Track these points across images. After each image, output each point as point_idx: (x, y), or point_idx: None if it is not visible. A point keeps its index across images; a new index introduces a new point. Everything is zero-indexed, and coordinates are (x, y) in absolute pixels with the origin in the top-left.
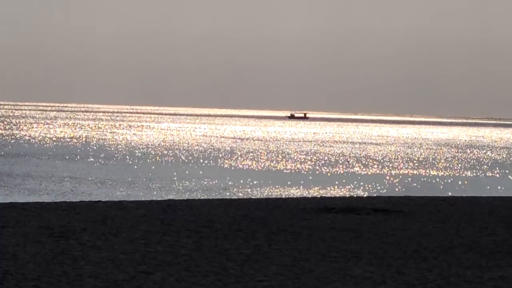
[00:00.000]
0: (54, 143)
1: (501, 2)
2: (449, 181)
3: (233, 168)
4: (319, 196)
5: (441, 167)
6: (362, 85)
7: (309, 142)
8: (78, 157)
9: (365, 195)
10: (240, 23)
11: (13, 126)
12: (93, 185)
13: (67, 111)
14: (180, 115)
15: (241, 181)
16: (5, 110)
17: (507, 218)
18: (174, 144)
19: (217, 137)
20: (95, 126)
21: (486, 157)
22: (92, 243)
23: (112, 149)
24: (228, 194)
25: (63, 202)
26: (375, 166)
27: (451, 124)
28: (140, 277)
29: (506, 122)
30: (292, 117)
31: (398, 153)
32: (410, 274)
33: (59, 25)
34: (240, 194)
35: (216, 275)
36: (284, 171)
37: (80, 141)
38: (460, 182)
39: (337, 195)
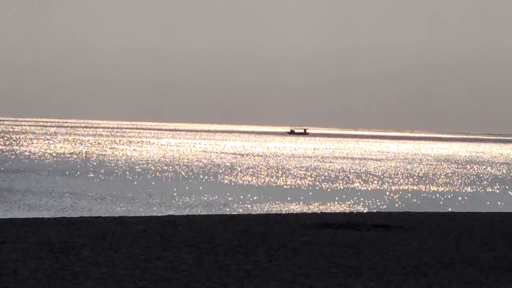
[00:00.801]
0: (54, 159)
1: (500, 19)
2: (449, 196)
3: (233, 183)
4: (319, 211)
5: (441, 182)
6: (362, 101)
7: (309, 157)
8: (78, 172)
9: (365, 211)
10: (240, 39)
11: (13, 142)
12: (93, 201)
13: (67, 126)
14: (180, 130)
15: (241, 197)
16: (5, 125)
17: (507, 234)
18: (174, 159)
19: (217, 152)
20: (95, 142)
21: (486, 172)
22: (92, 258)
23: (112, 164)
24: (228, 209)
25: (63, 218)
26: (375, 181)
27: (451, 139)
28: None
29: (506, 138)
30: (292, 132)
31: (398, 168)
32: None
33: (59, 41)
34: (240, 210)
35: None
36: (284, 186)
37: (80, 156)
38: (460, 198)
39: (337, 211)
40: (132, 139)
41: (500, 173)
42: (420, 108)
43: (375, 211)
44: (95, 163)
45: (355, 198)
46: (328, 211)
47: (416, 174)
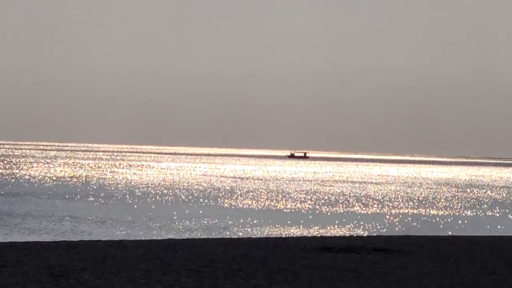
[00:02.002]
0: (54, 183)
1: (500, 43)
2: (449, 220)
3: (233, 207)
4: (319, 235)
5: (441, 206)
6: (362, 125)
7: (309, 181)
8: (78, 196)
9: (365, 235)
10: (239, 63)
11: (13, 166)
12: (93, 224)
13: (67, 150)
14: (180, 154)
15: (241, 220)
16: (5, 149)
17: (507, 258)
18: (174, 183)
19: (217, 176)
20: (95, 166)
21: (486, 196)
22: (92, 282)
23: (112, 188)
24: (228, 233)
25: (63, 242)
26: (375, 205)
27: (451, 163)
28: None
29: (506, 162)
30: (292, 156)
31: (398, 192)
32: None
33: (59, 65)
34: (240, 234)
35: None
36: (284, 210)
37: (80, 180)
38: (460, 221)
39: (337, 235)
40: (132, 163)
41: (500, 196)
42: (420, 132)
43: (375, 234)
44: (95, 187)
45: (355, 221)
46: (328, 234)
47: (416, 198)
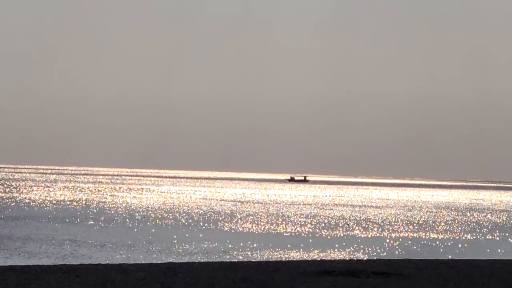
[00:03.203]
0: (54, 206)
1: (500, 66)
2: (449, 244)
3: (233, 231)
4: (319, 259)
5: (441, 230)
6: (362, 148)
7: (309, 205)
8: (78, 220)
9: (365, 258)
10: (239, 86)
11: (13, 189)
12: (93, 248)
13: (67, 174)
14: (180, 178)
15: (241, 244)
16: (5, 173)
17: (507, 281)
18: (174, 207)
19: (217, 200)
20: (95, 189)
21: (486, 220)
22: None
23: (112, 212)
24: (228, 257)
25: (63, 265)
26: (375, 229)
27: (451, 187)
28: None
29: (506, 185)
30: (292, 180)
31: (398, 216)
32: None
33: (58, 88)
34: (240, 257)
35: None
36: (284, 234)
37: (80, 204)
38: (460, 245)
39: (337, 258)
40: (132, 186)
41: (500, 220)
42: (420, 155)
43: (375, 258)
44: (95, 210)
45: (355, 245)
46: (328, 258)
47: (416, 221)
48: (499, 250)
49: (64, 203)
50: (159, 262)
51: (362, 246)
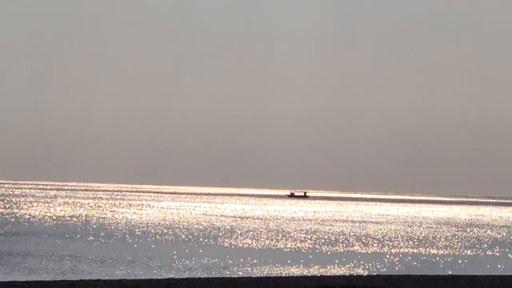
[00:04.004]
0: (54, 222)
1: (500, 83)
2: (449, 259)
3: (233, 246)
4: (319, 274)
5: (441, 245)
6: (362, 164)
7: (309, 221)
8: (78, 235)
9: (365, 274)
10: (239, 102)
11: (13, 205)
12: (93, 264)
13: (67, 189)
14: (180, 193)
15: (241, 260)
16: (5, 188)
17: None
18: (174, 222)
19: (217, 215)
20: (95, 205)
21: (486, 235)
22: None
23: (112, 227)
24: (228, 272)
25: (63, 281)
26: (375, 244)
27: (451, 202)
28: None
29: (506, 201)
30: (292, 196)
31: (398, 231)
32: None
33: (58, 104)
34: (240, 273)
35: None
36: (284, 249)
37: (80, 219)
38: (460, 261)
39: (337, 274)
40: (132, 202)
41: (500, 236)
42: (420, 171)
43: (375, 274)
44: (95, 226)
45: (355, 261)
46: (328, 274)
47: (416, 237)
48: (499, 266)
49: (64, 218)
50: (159, 278)
51: (362, 262)
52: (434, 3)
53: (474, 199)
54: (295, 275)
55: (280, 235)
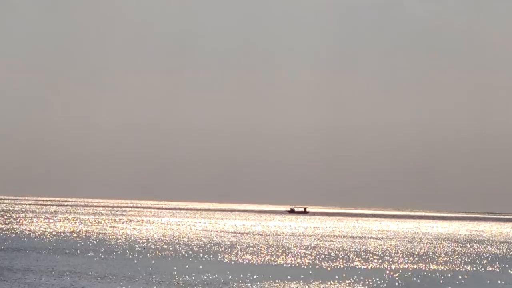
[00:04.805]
0: (54, 238)
1: (500, 98)
2: (449, 275)
3: (233, 262)
4: None
5: (441, 261)
6: (362, 180)
7: (309, 236)
8: (78, 251)
9: None
10: (239, 117)
11: (13, 221)
12: (93, 280)
13: (67, 205)
14: (180, 209)
15: (241, 276)
16: (5, 204)
17: None
18: (174, 238)
19: (217, 231)
20: (95, 221)
21: (486, 251)
22: None
23: (112, 243)
24: None
25: None
26: (375, 260)
27: (451, 218)
28: None
29: (506, 217)
30: (292, 211)
31: (398, 247)
32: None
33: (58, 120)
34: None
35: None
36: (284, 265)
37: (80, 235)
38: (460, 277)
39: None
40: (132, 218)
41: (500, 252)
42: (420, 187)
43: None
44: (95, 242)
45: (355, 277)
46: None
47: (416, 253)
48: (499, 282)
49: (64, 234)
50: None
51: (362, 278)
52: (435, 21)
53: (474, 215)
54: None
55: (280, 251)
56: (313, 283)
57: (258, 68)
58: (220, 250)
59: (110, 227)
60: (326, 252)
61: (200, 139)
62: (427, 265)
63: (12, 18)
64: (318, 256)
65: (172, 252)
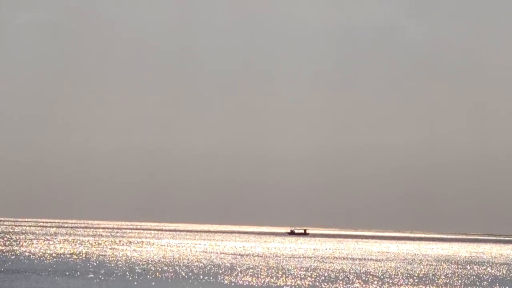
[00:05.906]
0: (54, 259)
1: (500, 119)
2: None
3: (233, 284)
4: None
5: (441, 283)
6: (362, 201)
7: (309, 258)
8: (78, 273)
9: None
10: (239, 139)
11: (13, 242)
12: None
13: (67, 227)
14: (180, 231)
15: None
16: (5, 226)
17: None
18: (174, 260)
19: (217, 253)
20: (95, 242)
21: (486, 273)
22: None
23: (112, 265)
24: None
25: None
26: (375, 282)
27: (451, 240)
28: None
29: (506, 238)
30: (292, 233)
31: (398, 269)
32: None
33: (58, 142)
34: None
35: None
36: (284, 287)
37: (80, 257)
38: None
39: None
40: (132, 240)
41: (500, 273)
42: (420, 209)
43: None
44: (95, 264)
45: None
46: None
47: (416, 275)
48: None
49: (64, 256)
50: None
51: None
52: (434, 42)
53: (474, 237)
54: None
55: (280, 272)
56: None
57: (258, 89)
58: (220, 272)
59: (110, 248)
60: (326, 274)
61: (200, 160)
62: (427, 287)
63: (12, 42)
64: (318, 278)
65: (172, 274)
